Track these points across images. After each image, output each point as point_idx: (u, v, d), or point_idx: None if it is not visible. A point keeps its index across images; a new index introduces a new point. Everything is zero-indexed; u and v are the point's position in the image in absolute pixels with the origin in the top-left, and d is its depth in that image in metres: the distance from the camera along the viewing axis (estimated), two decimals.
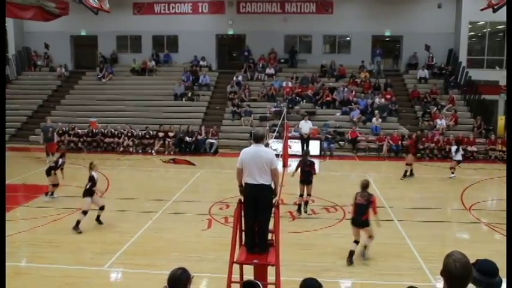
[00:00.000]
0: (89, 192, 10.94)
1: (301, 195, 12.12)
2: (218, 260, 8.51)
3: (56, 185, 13.47)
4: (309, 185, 12.07)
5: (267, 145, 7.14)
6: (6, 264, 8.52)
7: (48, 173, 13.33)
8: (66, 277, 8.36)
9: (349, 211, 12.34)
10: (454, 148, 16.95)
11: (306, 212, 12.17)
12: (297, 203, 12.23)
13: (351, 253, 8.93)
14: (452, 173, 16.55)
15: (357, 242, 9.08)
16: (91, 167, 11.16)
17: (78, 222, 10.63)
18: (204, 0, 27.80)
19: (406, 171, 16.51)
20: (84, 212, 10.82)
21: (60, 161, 13.59)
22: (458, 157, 16.59)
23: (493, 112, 24.52)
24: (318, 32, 27.54)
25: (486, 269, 3.18)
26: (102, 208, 11.22)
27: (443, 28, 26.05)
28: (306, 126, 20.60)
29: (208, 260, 8.96)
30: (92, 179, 11.00)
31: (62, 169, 13.61)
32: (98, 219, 11.18)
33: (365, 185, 9.21)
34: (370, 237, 9.14)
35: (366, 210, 8.97)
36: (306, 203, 12.22)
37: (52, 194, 13.43)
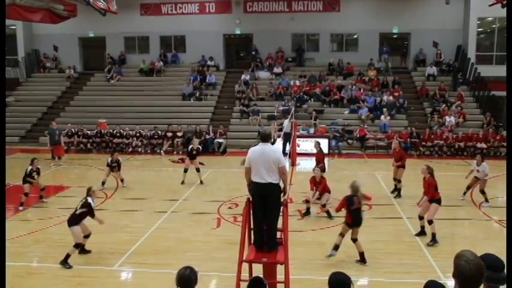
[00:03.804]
0: (77, 219, 9.17)
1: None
2: (227, 259, 8.56)
3: (42, 189, 13.36)
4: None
5: (274, 142, 7.04)
6: (18, 264, 8.69)
7: (24, 181, 12.94)
8: (78, 277, 8.45)
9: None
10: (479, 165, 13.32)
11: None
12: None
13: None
14: (486, 200, 13.03)
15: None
16: (88, 193, 9.46)
17: (67, 256, 8.91)
18: (211, 0, 27.84)
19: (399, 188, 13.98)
20: (77, 245, 9.08)
21: (29, 168, 13.07)
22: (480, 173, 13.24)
23: (503, 108, 24.34)
24: (325, 30, 27.49)
25: (492, 263, 3.14)
26: (87, 236, 9.41)
27: (452, 24, 25.89)
28: (289, 125, 20.45)
29: (217, 259, 9.00)
30: (88, 207, 9.24)
31: (38, 174, 13.25)
32: (82, 248, 9.45)
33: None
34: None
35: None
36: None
37: (41, 197, 13.40)
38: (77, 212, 9.20)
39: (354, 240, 9.02)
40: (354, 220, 8.94)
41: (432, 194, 10.09)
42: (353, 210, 8.93)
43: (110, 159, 15.10)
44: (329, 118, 23.27)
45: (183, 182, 15.48)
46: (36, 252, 9.82)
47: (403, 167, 13.89)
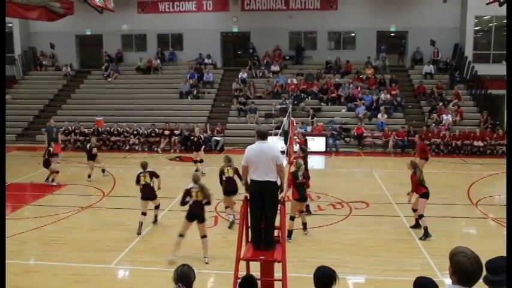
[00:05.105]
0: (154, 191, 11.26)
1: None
2: (225, 257, 8.56)
3: (57, 172, 14.38)
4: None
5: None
6: (15, 262, 8.67)
7: (47, 164, 14.11)
8: (75, 275, 8.43)
9: (356, 207, 12.45)
10: None
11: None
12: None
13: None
14: None
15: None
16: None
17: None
18: None
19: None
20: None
21: (51, 149, 14.49)
22: None
23: (500, 107, 24.39)
24: (323, 28, 27.46)
25: (489, 266, 3.14)
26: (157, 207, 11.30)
27: (449, 23, 25.92)
28: (286, 123, 20.43)
29: (215, 257, 8.98)
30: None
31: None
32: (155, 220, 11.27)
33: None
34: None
35: None
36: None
37: (52, 180, 14.43)
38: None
39: (300, 211, 9.96)
40: (300, 194, 9.84)
41: (415, 188, 10.44)
42: (298, 185, 9.87)
43: (88, 145, 16.02)
44: (326, 116, 23.28)
45: (200, 172, 15.76)
46: (33, 250, 9.80)
47: (426, 159, 14.49)
